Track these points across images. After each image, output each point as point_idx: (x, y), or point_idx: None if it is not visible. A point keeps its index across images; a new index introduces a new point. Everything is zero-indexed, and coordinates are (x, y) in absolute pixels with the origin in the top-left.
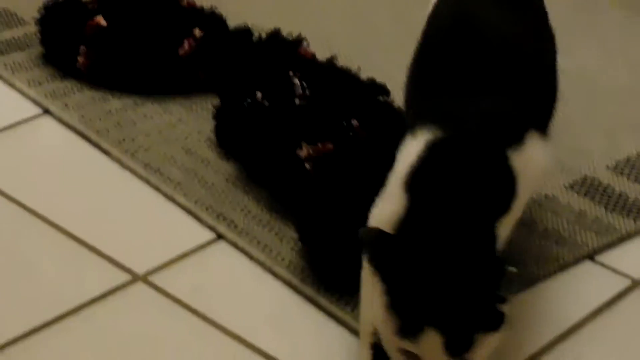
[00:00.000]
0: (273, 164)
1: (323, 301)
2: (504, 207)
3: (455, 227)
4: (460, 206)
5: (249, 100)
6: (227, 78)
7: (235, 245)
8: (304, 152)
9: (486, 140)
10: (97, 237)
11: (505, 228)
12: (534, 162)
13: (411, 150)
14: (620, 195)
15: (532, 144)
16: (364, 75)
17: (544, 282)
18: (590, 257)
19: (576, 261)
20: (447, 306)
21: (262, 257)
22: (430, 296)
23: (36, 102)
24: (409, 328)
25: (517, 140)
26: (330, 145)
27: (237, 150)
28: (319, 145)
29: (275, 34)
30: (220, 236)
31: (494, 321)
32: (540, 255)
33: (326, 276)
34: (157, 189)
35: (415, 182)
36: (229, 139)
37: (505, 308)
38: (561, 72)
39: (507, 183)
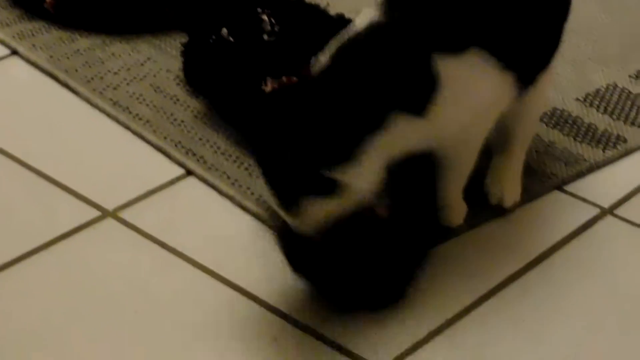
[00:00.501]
0: (238, 99)
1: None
2: (408, 106)
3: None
4: (354, 88)
5: (214, 37)
6: (195, 15)
7: (204, 180)
8: (268, 87)
9: (416, 37)
10: (66, 174)
11: (412, 132)
12: (472, 80)
13: (356, 22)
14: (589, 126)
15: (473, 61)
16: (332, 11)
17: (514, 213)
18: (559, 187)
19: (545, 191)
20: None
21: (231, 191)
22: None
23: (4, 44)
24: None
25: (453, 49)
26: (295, 80)
27: (204, 87)
28: (284, 79)
29: None
30: (189, 172)
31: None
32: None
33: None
34: (126, 126)
35: (337, 53)
36: (196, 76)
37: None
38: None
39: (420, 83)
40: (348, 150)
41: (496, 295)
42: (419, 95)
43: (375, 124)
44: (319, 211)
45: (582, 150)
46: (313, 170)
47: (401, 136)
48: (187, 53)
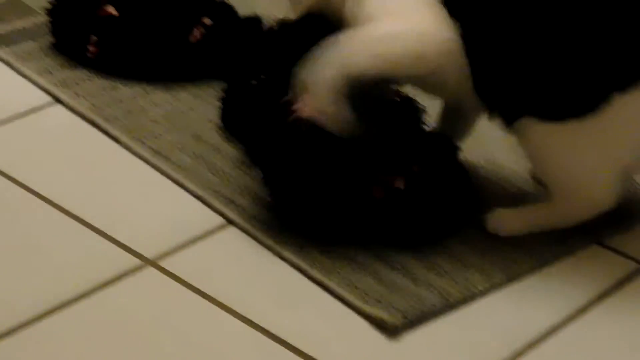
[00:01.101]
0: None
1: (332, 285)
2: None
3: None
4: None
5: (255, 81)
6: (235, 63)
7: (244, 230)
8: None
9: None
10: (107, 222)
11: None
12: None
13: None
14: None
15: None
16: None
17: (553, 265)
18: (599, 242)
19: (585, 245)
20: None
21: (270, 242)
22: None
23: (47, 91)
24: None
25: None
26: None
27: (239, 132)
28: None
29: (285, 23)
30: (229, 221)
31: None
32: (550, 238)
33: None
34: (166, 175)
35: None
36: (233, 121)
37: None
38: None
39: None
40: None
41: (533, 349)
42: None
43: None
44: None
45: (623, 204)
46: None
47: None
48: (225, 98)
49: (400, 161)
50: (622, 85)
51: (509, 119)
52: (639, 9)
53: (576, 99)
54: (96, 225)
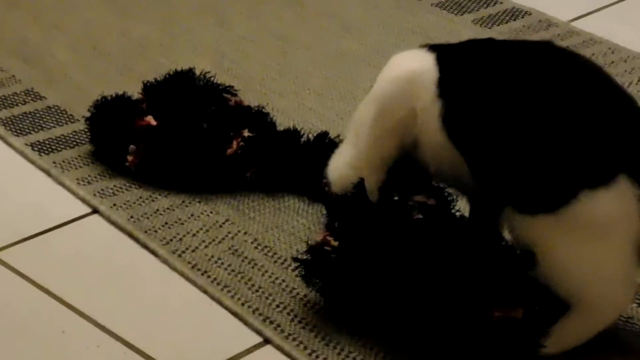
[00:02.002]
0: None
1: None
2: None
3: None
4: None
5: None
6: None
7: (281, 350)
8: None
9: None
10: (143, 338)
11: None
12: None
13: None
14: None
15: None
16: None
17: None
18: None
19: None
20: None
21: None
22: None
23: (85, 202)
24: None
25: None
26: None
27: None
28: None
29: (323, 135)
30: (266, 340)
31: None
32: None
33: None
34: (204, 290)
35: None
36: None
37: None
38: None
39: None
40: None
41: None
42: None
43: None
44: None
45: None
46: None
47: None
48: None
49: (519, 292)
50: (592, 183)
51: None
52: (607, 116)
53: (545, 193)
54: (132, 342)
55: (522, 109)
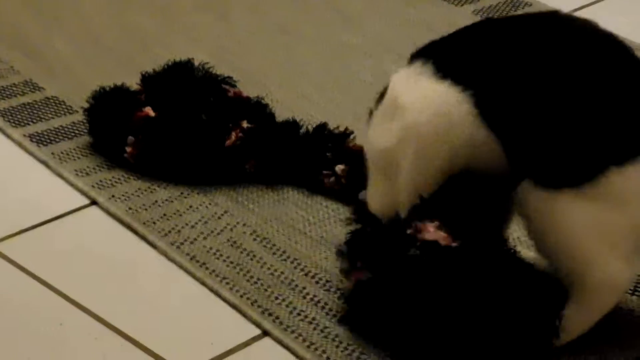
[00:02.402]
0: None
1: None
2: None
3: None
4: None
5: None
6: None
7: (280, 342)
8: None
9: None
10: (141, 331)
11: None
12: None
13: None
14: None
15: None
16: None
17: None
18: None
19: None
20: None
21: (307, 355)
22: None
23: (84, 193)
24: None
25: None
26: None
27: None
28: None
29: (322, 127)
30: (265, 332)
31: None
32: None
33: None
34: (202, 282)
35: None
36: None
37: None
38: None
39: None
40: None
41: None
42: None
43: None
44: None
45: None
46: None
47: None
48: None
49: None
50: (619, 159)
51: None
52: (634, 92)
53: (573, 168)
54: (130, 333)
55: (552, 87)
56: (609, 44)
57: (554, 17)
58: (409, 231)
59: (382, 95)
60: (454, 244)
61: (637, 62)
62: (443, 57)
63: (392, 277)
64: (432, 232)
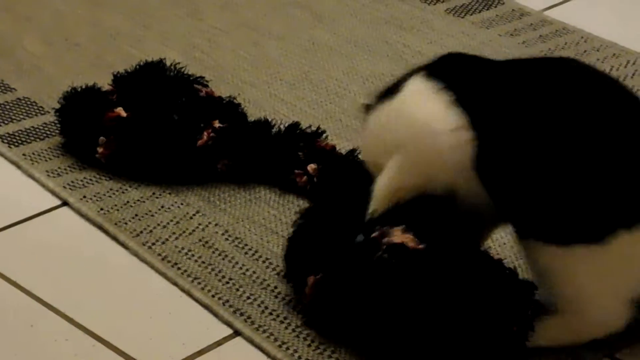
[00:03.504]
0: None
1: None
2: None
3: None
4: None
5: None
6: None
7: (252, 342)
8: None
9: None
10: (113, 331)
11: None
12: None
13: None
14: None
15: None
16: None
17: None
18: (610, 354)
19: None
20: None
21: (279, 354)
22: None
23: (55, 194)
24: None
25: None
26: None
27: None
28: None
29: (294, 126)
30: (237, 332)
31: None
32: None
33: None
34: (174, 282)
35: None
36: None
37: None
38: None
39: None
40: None
41: None
42: None
43: None
44: None
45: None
46: None
47: None
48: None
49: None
50: (629, 222)
51: (520, 233)
52: None
53: (584, 228)
54: (101, 334)
55: (562, 144)
56: (624, 103)
57: (577, 69)
58: (373, 235)
59: (388, 91)
60: (420, 246)
61: None
62: (464, 91)
63: (361, 280)
64: (398, 235)
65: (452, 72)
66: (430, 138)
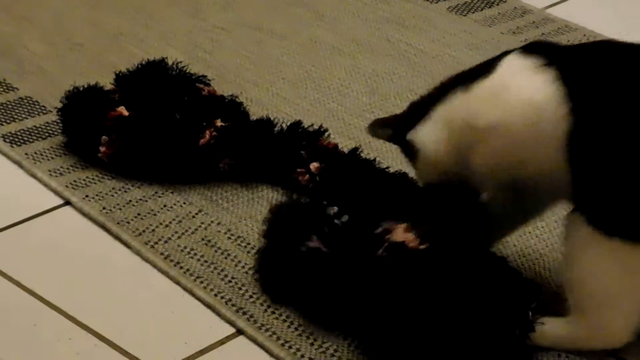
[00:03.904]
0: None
1: None
2: None
3: None
4: None
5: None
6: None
7: (254, 340)
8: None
9: None
10: (116, 331)
11: None
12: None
13: None
14: None
15: None
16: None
17: None
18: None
19: None
20: None
21: (282, 353)
22: None
23: (57, 193)
24: None
25: None
26: None
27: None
28: None
29: (296, 125)
30: (239, 331)
31: None
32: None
33: None
34: (176, 281)
35: None
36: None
37: None
38: None
39: None
40: None
41: None
42: None
43: None
44: None
45: None
46: None
47: None
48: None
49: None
50: None
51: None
52: None
53: (633, 223)
54: (104, 334)
55: None
56: None
57: None
58: (377, 231)
59: (485, 66)
60: (422, 247)
61: None
62: (565, 68)
63: (360, 280)
64: (400, 234)
65: (548, 52)
66: (537, 113)
